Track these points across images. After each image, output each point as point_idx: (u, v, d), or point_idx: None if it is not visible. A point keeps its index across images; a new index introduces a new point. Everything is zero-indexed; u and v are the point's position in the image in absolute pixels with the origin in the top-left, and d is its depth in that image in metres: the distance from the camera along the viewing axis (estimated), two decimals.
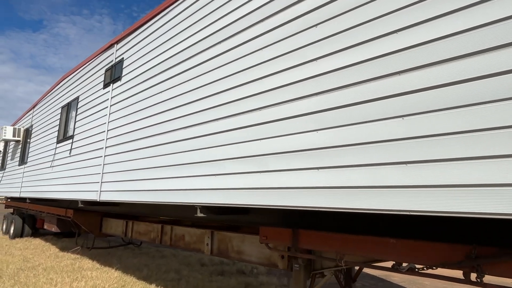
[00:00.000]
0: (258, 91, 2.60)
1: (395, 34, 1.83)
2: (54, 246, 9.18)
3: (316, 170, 2.07)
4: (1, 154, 11.58)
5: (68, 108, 6.43)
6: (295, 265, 3.17)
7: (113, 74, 4.93)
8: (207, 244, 4.42)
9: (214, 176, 2.83)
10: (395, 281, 6.76)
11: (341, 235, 2.31)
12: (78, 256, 7.57)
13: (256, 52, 2.71)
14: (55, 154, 6.61)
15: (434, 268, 1.90)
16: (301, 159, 2.16)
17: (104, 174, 4.60)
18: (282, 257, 3.46)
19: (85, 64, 6.00)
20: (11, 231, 10.78)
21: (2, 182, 10.54)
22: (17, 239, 10.31)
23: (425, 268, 1.94)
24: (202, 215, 2.95)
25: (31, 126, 8.76)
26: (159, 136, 3.71)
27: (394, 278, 6.94)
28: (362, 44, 1.97)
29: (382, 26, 1.89)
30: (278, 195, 2.32)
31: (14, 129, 9.37)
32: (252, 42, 2.75)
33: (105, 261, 7.21)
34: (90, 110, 5.45)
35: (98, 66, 5.48)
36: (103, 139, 4.80)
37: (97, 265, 6.86)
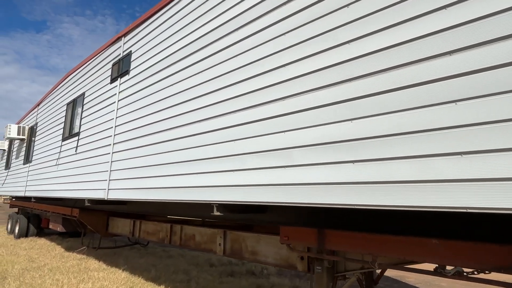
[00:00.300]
0: (280, 79, 2.40)
1: (443, 9, 1.63)
2: (59, 246, 9.05)
3: (351, 163, 1.87)
4: (6, 154, 11.48)
5: (74, 105, 6.26)
6: (317, 267, 2.97)
7: (121, 68, 4.76)
8: (220, 244, 4.23)
9: (232, 172, 2.64)
10: (410, 282, 6.55)
11: (377, 235, 2.11)
12: (84, 256, 7.42)
13: (276, 39, 2.51)
14: (60, 152, 6.46)
15: (486, 272, 1.69)
16: (333, 151, 1.97)
17: (112, 172, 4.43)
18: (302, 258, 3.27)
19: (91, 59, 5.83)
20: (16, 230, 10.67)
21: (7, 181, 10.43)
22: (22, 239, 10.19)
23: (475, 273, 1.74)
24: (218, 213, 2.77)
25: (36, 124, 8.63)
26: (170, 131, 3.52)
27: (409, 279, 6.73)
28: (404, 22, 1.76)
29: (425, 2, 1.69)
30: (304, 192, 2.13)
31: (19, 127, 9.24)
32: (272, 28, 2.56)
33: (112, 262, 7.05)
34: (96, 106, 5.29)
35: (104, 60, 5.31)
36: (111, 136, 4.63)
37: (104, 266, 6.70)
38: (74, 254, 7.89)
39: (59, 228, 7.54)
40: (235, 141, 2.65)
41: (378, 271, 3.71)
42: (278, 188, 2.30)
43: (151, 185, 3.71)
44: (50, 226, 8.09)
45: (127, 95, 4.47)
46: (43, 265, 6.72)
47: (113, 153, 4.50)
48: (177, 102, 3.55)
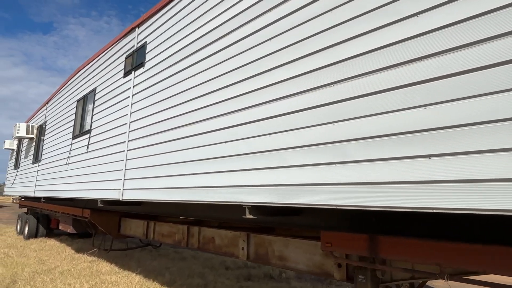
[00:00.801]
0: (329, 62, 2.08)
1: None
2: (69, 247, 8.85)
3: (427, 158, 1.55)
4: (15, 153, 11.32)
5: (84, 101, 6.02)
6: (361, 277, 2.66)
7: (135, 61, 4.48)
8: (243, 249, 3.93)
9: (268, 170, 2.33)
10: (438, 286, 6.19)
11: (448, 244, 1.79)
12: (95, 258, 7.19)
13: (322, 16, 2.19)
14: (70, 150, 6.22)
15: None
16: (404, 144, 1.64)
17: (127, 171, 4.15)
18: (339, 265, 2.96)
19: (103, 52, 5.57)
20: (26, 231, 10.50)
21: (16, 181, 10.26)
22: (31, 240, 10.02)
23: None
24: (251, 216, 2.46)
25: (45, 122, 8.42)
26: (192, 126, 3.22)
27: (437, 283, 6.36)
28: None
29: None
30: (361, 193, 1.81)
31: (28, 126, 9.05)
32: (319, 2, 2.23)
33: (124, 264, 6.80)
34: (109, 102, 5.02)
35: (117, 53, 5.04)
36: (125, 132, 4.35)
37: (116, 269, 6.45)
38: (85, 256, 7.66)
39: (70, 229, 7.32)
40: (272, 135, 2.34)
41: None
42: (326, 188, 1.99)
43: (171, 184, 3.42)
44: (60, 227, 7.88)
45: (142, 88, 4.19)
46: (53, 267, 6.50)
47: (128, 151, 4.22)
48: (198, 95, 3.25)
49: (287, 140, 2.23)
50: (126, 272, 6.12)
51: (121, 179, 4.22)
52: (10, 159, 12.04)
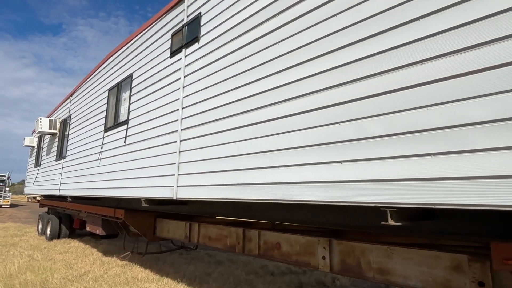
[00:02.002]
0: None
1: None
2: (95, 249, 8.33)
3: None
4: (36, 150, 10.86)
5: (118, 90, 5.42)
6: None
7: (185, 37, 3.84)
8: (324, 258, 3.27)
9: (429, 158, 1.65)
10: None
11: None
12: (126, 262, 6.61)
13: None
14: (102, 144, 5.63)
15: None
16: None
17: (181, 165, 3.52)
18: (480, 284, 2.27)
19: (140, 34, 4.95)
20: (48, 232, 10.04)
21: (38, 179, 9.79)
22: (54, 241, 9.54)
23: None
24: (393, 223, 1.79)
25: (69, 116, 7.88)
26: (275, 107, 2.56)
27: None
28: None
29: None
30: None
31: (50, 120, 8.53)
32: None
33: (159, 270, 6.21)
34: (151, 87, 4.40)
35: (160, 32, 4.41)
36: (177, 120, 3.72)
37: (152, 275, 5.86)
38: (114, 259, 7.11)
39: (99, 231, 6.76)
40: (414, 111, 1.66)
41: None
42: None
43: (245, 180, 2.77)
44: (87, 229, 7.34)
45: (197, 68, 3.55)
46: (83, 273, 5.94)
47: (181, 141, 3.59)
48: (276, 70, 2.59)
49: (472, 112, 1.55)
50: (165, 280, 5.52)
51: (174, 175, 3.60)
52: (30, 157, 11.60)
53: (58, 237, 9.85)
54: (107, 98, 5.78)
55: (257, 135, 2.73)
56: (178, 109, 3.74)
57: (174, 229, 5.61)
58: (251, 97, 2.84)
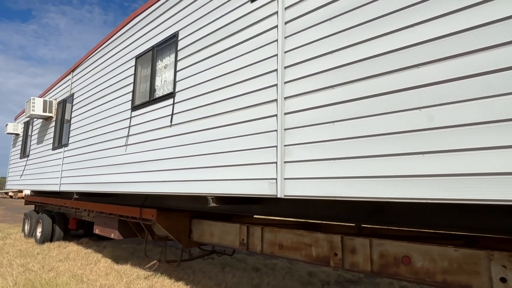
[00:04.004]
0: None
1: None
2: (101, 255, 7.05)
3: None
4: (22, 138, 9.31)
5: (153, 56, 4.20)
6: None
7: None
8: (503, 280, 2.30)
9: None
10: None
11: None
12: (151, 273, 5.43)
13: None
14: (129, 127, 4.42)
15: None
16: None
17: (287, 149, 2.43)
18: None
19: None
20: (38, 233, 8.61)
21: (26, 172, 8.31)
22: (47, 244, 8.14)
23: None
24: None
25: (71, 96, 6.51)
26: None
27: None
28: None
29: None
30: None
31: (45, 102, 7.11)
32: None
33: (194, 281, 5.08)
34: (216, 46, 3.25)
35: None
36: (273, 86, 2.62)
37: None
38: (130, 267, 5.90)
39: (114, 235, 5.53)
40: None
41: None
42: None
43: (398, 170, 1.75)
44: (97, 232, 6.06)
45: (314, 6, 2.45)
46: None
47: (285, 114, 2.49)
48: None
49: None
50: None
51: (274, 163, 2.50)
52: (14, 146, 10.01)
53: (51, 239, 8.45)
54: (133, 68, 4.54)
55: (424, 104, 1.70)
56: (274, 70, 2.63)
57: (222, 233, 4.49)
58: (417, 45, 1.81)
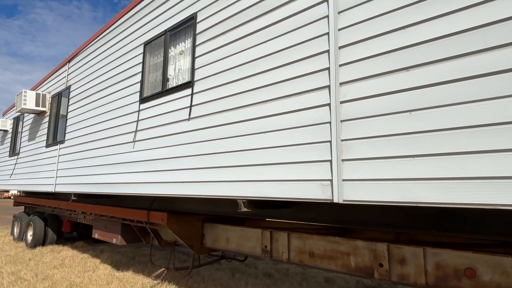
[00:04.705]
0: None
1: None
2: (99, 260, 6.55)
3: None
4: (10, 135, 8.71)
5: (166, 41, 3.75)
6: None
7: None
8: None
9: None
10: None
11: None
12: (157, 282, 4.97)
13: None
14: (138, 121, 3.96)
15: None
16: None
17: (345, 144, 2.03)
18: None
19: None
20: (29, 237, 8.04)
21: (17, 171, 7.72)
22: (39, 249, 7.58)
23: None
24: None
25: (67, 88, 5.99)
26: None
27: None
28: None
29: None
30: None
31: (38, 95, 6.56)
32: None
33: None
34: (249, 25, 2.82)
35: None
36: (322, 70, 2.22)
37: None
38: (133, 275, 5.44)
39: (116, 240, 5.06)
40: None
41: None
42: None
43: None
44: (96, 236, 5.57)
45: None
46: None
47: (341, 103, 2.09)
48: None
49: None
50: None
51: (327, 160, 2.10)
52: (1, 144, 9.39)
53: (43, 243, 7.89)
54: (142, 55, 4.09)
55: None
56: (324, 52, 2.23)
57: (240, 239, 4.08)
58: None
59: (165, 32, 3.77)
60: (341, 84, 2.13)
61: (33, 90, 7.19)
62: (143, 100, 3.94)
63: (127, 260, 6.65)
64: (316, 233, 3.53)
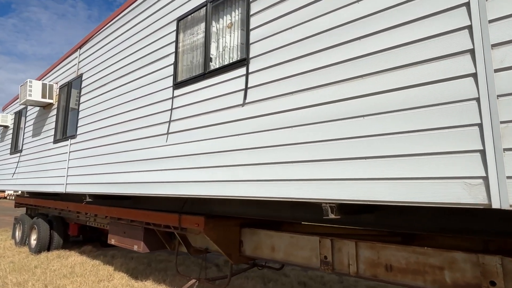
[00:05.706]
0: None
1: None
2: (112, 268, 5.94)
3: None
4: (11, 131, 8.06)
5: (207, 14, 3.16)
6: None
7: None
8: None
9: None
10: None
11: None
12: None
13: None
14: (172, 110, 3.37)
15: None
16: None
17: (507, 128, 1.47)
18: None
19: None
20: (33, 241, 7.41)
21: (20, 170, 7.08)
22: (44, 254, 6.95)
23: None
24: None
25: (79, 77, 5.38)
26: None
27: None
28: None
29: None
30: None
31: (44, 85, 5.93)
32: None
33: None
34: None
35: None
36: (462, 28, 1.65)
37: None
38: (152, 284, 4.85)
39: (138, 247, 4.46)
40: None
41: None
42: None
43: None
44: (113, 242, 4.97)
45: None
46: None
47: (495, 71, 1.53)
48: None
49: None
50: None
51: (476, 150, 1.53)
52: (2, 141, 8.73)
53: (48, 248, 7.26)
54: (175, 33, 3.49)
55: None
56: (462, 5, 1.66)
57: (290, 248, 3.50)
58: None
59: (206, 3, 3.17)
60: (492, 46, 1.56)
61: (39, 80, 6.55)
62: (177, 84, 3.35)
63: (144, 267, 6.05)
64: (391, 241, 2.97)
